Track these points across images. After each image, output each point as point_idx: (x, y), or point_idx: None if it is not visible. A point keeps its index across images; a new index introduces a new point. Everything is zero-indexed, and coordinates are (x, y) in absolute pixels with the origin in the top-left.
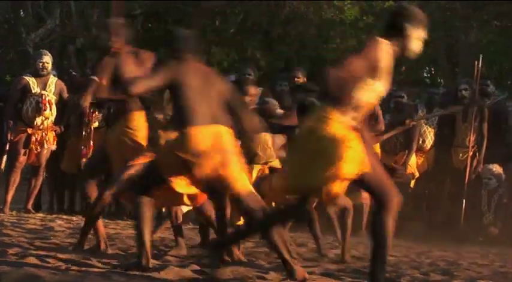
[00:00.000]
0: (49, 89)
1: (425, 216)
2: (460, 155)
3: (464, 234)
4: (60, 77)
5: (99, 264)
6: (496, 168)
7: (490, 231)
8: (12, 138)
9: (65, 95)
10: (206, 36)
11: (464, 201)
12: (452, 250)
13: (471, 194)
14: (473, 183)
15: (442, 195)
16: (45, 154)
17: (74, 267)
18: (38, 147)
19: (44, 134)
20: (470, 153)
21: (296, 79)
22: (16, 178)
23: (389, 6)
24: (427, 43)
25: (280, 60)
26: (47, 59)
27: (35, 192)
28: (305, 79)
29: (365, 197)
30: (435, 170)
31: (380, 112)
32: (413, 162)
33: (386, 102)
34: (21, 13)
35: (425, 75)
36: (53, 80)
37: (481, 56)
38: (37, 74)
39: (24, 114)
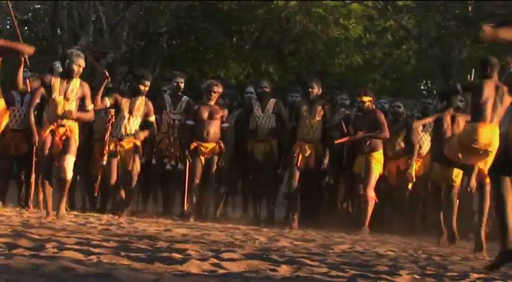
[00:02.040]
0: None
1: (422, 216)
2: None
3: (458, 232)
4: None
5: (127, 258)
6: None
7: None
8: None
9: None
10: (224, 52)
11: (457, 201)
12: (446, 246)
13: (463, 195)
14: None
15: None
16: None
17: (105, 260)
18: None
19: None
20: None
21: (311, 89)
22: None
23: (390, 26)
24: (423, 58)
25: (292, 74)
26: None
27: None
28: (320, 90)
29: (371, 195)
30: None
31: (384, 121)
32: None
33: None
34: (58, 31)
35: (422, 87)
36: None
37: (473, 70)
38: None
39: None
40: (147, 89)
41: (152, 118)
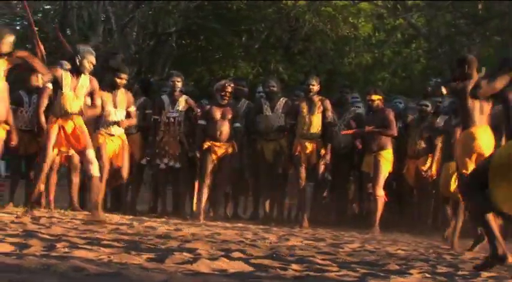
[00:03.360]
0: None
1: (432, 215)
2: None
3: (467, 231)
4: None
5: (138, 258)
6: None
7: None
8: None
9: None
10: (234, 52)
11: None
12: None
13: None
14: None
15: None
16: (76, 155)
17: (115, 260)
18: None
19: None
20: None
21: (311, 86)
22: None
23: (399, 24)
24: (433, 57)
25: (301, 73)
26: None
27: (76, 190)
28: (319, 86)
29: (381, 194)
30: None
31: (393, 119)
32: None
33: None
34: (68, 31)
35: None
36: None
37: (483, 68)
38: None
39: None
40: (124, 81)
41: (131, 109)
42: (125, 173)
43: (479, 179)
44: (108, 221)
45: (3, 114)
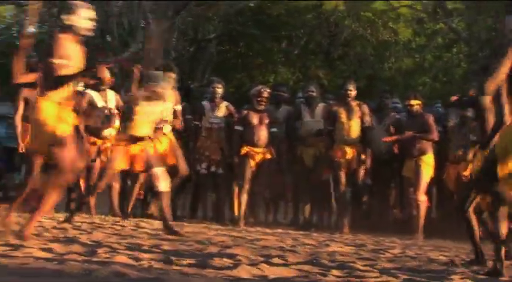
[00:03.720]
0: (110, 102)
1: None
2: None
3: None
4: None
5: (178, 263)
6: None
7: None
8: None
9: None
10: (274, 57)
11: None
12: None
13: None
14: None
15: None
16: None
17: (156, 266)
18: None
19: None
20: None
21: (349, 92)
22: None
23: (440, 29)
24: (474, 61)
25: (341, 78)
26: (106, 74)
27: (116, 195)
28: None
29: (423, 199)
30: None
31: (433, 123)
32: None
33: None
34: (108, 38)
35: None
36: (111, 94)
37: None
38: (97, 88)
39: (92, 126)
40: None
41: (177, 107)
42: (183, 169)
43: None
44: (182, 232)
45: None
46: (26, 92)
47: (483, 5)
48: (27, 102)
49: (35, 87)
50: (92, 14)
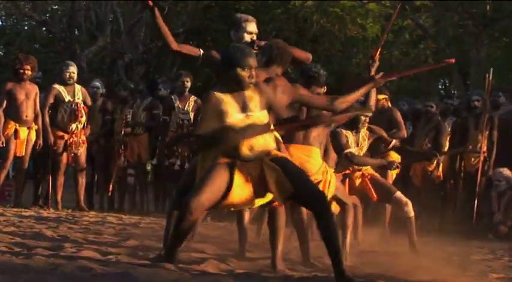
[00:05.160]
0: (77, 96)
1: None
2: (472, 159)
3: (476, 232)
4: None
5: (145, 258)
6: (506, 171)
7: (500, 229)
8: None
9: (88, 101)
10: None
11: (476, 201)
12: (465, 246)
13: (482, 196)
14: (484, 185)
15: (455, 196)
16: (83, 156)
17: (123, 260)
18: (75, 150)
19: (78, 138)
20: (482, 158)
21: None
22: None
23: (407, 25)
24: (441, 57)
25: None
26: (73, 69)
27: (82, 190)
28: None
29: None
30: (450, 173)
31: (401, 119)
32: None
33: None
34: (76, 32)
35: (440, 87)
36: (78, 88)
37: (491, 69)
38: (65, 83)
39: (59, 120)
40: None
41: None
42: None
43: None
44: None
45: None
46: None
47: (450, 2)
48: None
49: None
50: None
